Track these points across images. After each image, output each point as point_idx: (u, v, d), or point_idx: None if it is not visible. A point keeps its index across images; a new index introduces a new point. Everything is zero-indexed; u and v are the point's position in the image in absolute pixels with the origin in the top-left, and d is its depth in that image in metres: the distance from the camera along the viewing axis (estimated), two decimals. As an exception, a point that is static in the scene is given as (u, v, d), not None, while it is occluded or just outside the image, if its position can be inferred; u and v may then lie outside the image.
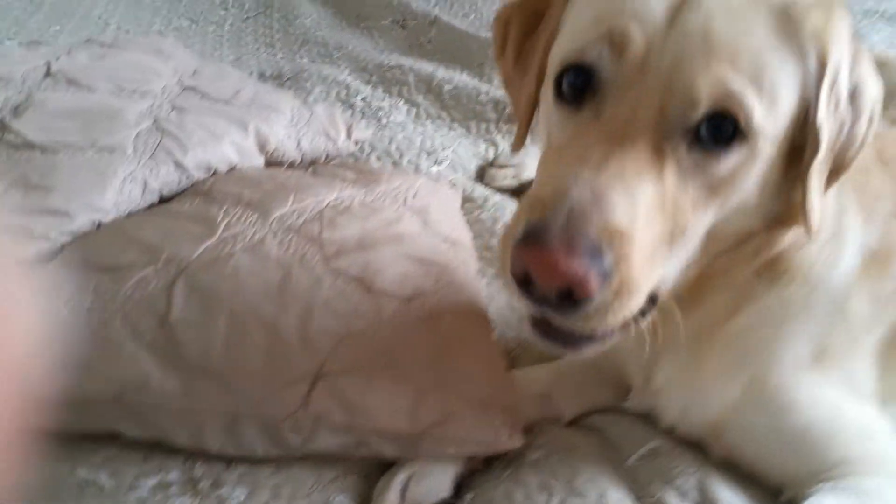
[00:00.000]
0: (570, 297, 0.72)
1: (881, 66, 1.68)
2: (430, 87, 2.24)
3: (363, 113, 2.08)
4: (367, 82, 2.29)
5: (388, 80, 2.28)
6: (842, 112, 0.83)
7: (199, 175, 1.47)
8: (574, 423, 1.19)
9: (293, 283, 1.15)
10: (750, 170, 0.80)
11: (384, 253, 1.25)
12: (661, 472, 1.06)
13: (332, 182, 1.46)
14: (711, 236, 0.84)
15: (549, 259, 0.70)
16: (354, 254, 1.23)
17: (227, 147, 1.54)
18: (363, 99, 2.16)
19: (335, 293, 1.16)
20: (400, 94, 2.22)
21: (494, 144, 2.02)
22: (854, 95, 0.84)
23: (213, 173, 1.50)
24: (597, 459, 1.09)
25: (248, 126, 1.60)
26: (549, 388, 1.20)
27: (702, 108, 0.76)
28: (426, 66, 2.35)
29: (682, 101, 0.76)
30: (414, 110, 2.16)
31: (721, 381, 1.01)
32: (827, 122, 0.80)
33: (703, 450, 1.07)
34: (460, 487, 1.08)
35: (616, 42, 0.79)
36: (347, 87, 2.22)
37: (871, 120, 0.85)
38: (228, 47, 2.77)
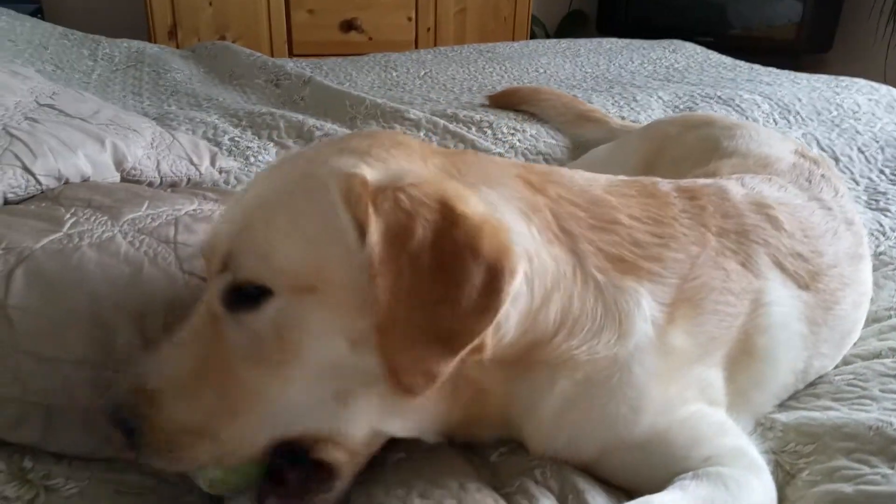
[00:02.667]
0: None
1: (707, 123, 1.87)
2: (301, 133, 2.26)
3: (230, 151, 2.07)
4: (237, 126, 2.29)
5: (257, 125, 2.29)
6: (425, 273, 0.85)
7: (48, 183, 1.39)
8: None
9: (143, 279, 1.10)
10: (298, 322, 0.88)
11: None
12: (520, 465, 1.07)
13: (192, 197, 1.43)
14: (338, 389, 0.91)
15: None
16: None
17: (81, 159, 1.47)
18: (231, 139, 2.15)
19: (189, 293, 1.12)
20: (269, 138, 2.23)
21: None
22: (448, 263, 0.86)
23: (64, 183, 1.43)
24: (458, 458, 1.08)
25: (104, 141, 1.54)
26: None
27: (224, 280, 0.90)
28: (297, 116, 2.38)
29: (215, 274, 0.91)
30: (283, 151, 2.16)
31: (571, 447, 1.06)
32: (385, 279, 0.84)
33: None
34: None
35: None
36: (215, 128, 2.21)
37: (481, 291, 0.85)
38: (94, 93, 2.69)
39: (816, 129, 2.54)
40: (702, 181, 1.36)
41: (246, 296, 0.88)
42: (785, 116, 2.63)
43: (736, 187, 1.34)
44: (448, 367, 0.86)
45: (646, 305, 1.05)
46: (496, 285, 0.85)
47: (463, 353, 0.86)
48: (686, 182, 1.32)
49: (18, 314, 1.00)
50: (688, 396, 1.09)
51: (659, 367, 1.06)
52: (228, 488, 0.94)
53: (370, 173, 0.90)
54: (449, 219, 0.86)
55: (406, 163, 0.95)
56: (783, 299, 1.23)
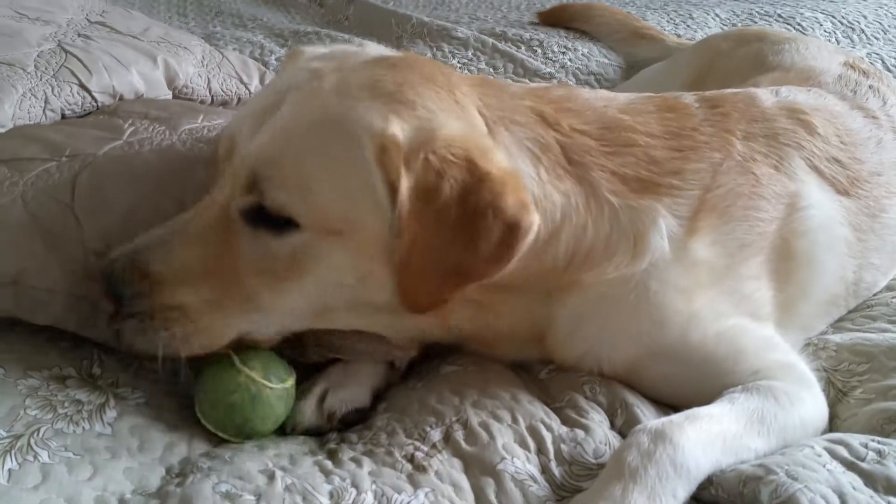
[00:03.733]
0: None
1: (759, 38, 1.81)
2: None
3: (277, 71, 2.05)
4: (283, 45, 2.27)
5: (303, 43, 2.25)
6: (449, 225, 0.92)
7: (103, 100, 1.42)
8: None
9: (204, 177, 1.11)
10: (314, 255, 0.94)
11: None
12: (569, 381, 1.09)
13: (245, 113, 1.44)
14: (324, 305, 0.98)
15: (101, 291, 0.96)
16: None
17: (135, 76, 1.49)
18: (277, 58, 2.14)
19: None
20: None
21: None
22: (470, 217, 0.92)
23: (119, 100, 1.45)
24: (508, 373, 1.11)
25: (156, 58, 1.55)
26: None
27: (250, 199, 0.93)
28: (342, 35, 2.35)
29: (239, 189, 0.94)
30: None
31: (593, 356, 1.09)
32: (410, 232, 0.91)
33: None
34: (378, 399, 1.09)
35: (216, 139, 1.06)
36: (261, 47, 2.20)
37: (496, 244, 0.92)
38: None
39: (882, 48, 2.43)
40: (730, 90, 1.33)
41: (269, 219, 0.92)
42: (848, 35, 2.52)
43: (766, 94, 1.31)
44: (453, 295, 0.96)
45: (662, 222, 1.05)
46: (512, 241, 0.92)
47: (468, 286, 0.95)
48: (711, 92, 1.29)
49: (85, 215, 1.03)
50: (722, 310, 1.08)
51: (681, 280, 1.05)
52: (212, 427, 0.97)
53: (401, 130, 0.92)
54: (475, 177, 0.92)
55: (436, 104, 0.97)
56: (821, 203, 1.20)
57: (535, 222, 0.93)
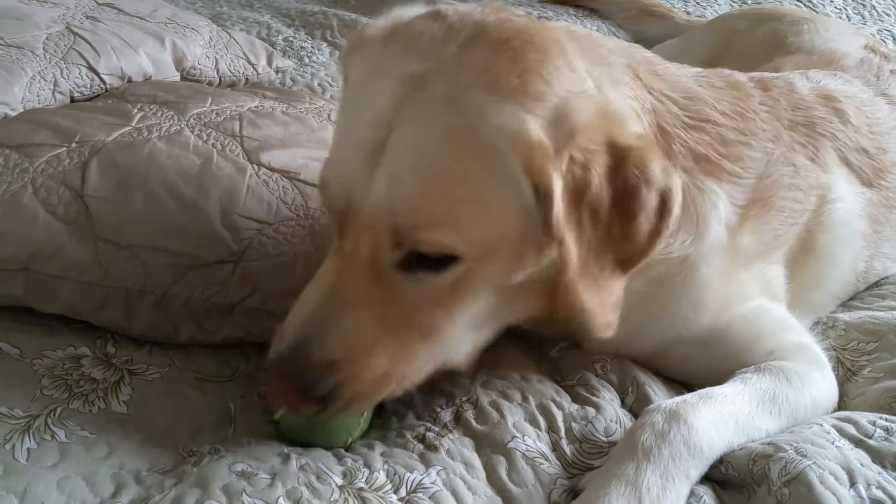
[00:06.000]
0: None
1: (775, 18, 1.79)
2: (355, 31, 2.22)
3: (284, 52, 2.05)
4: (290, 26, 2.25)
5: (310, 24, 2.25)
6: (603, 217, 0.87)
7: (112, 83, 1.42)
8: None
9: (214, 168, 1.12)
10: (475, 276, 0.88)
11: (308, 153, 1.23)
12: (580, 359, 1.09)
13: (253, 95, 1.44)
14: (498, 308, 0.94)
15: (274, 389, 0.89)
16: (277, 150, 1.21)
17: (143, 58, 1.49)
18: (284, 39, 2.13)
19: (259, 181, 1.14)
20: (323, 38, 2.19)
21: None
22: (621, 199, 0.87)
23: (127, 82, 1.45)
24: (518, 353, 1.11)
25: (164, 39, 1.55)
26: None
27: (402, 250, 0.86)
28: (350, 14, 2.33)
29: (386, 244, 0.86)
30: (337, 52, 2.13)
31: (630, 342, 1.07)
32: (570, 235, 0.85)
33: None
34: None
35: (321, 186, 0.95)
36: (269, 28, 2.18)
37: (655, 214, 0.89)
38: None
39: (894, 24, 2.41)
40: (769, 74, 1.32)
41: (427, 259, 0.87)
42: (859, 11, 2.49)
43: (801, 80, 1.30)
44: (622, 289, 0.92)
45: (722, 208, 1.04)
46: (667, 206, 0.88)
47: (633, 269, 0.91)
48: (756, 74, 1.28)
49: (95, 203, 1.03)
50: (749, 292, 1.09)
51: (723, 265, 1.05)
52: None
53: (541, 130, 0.84)
54: (619, 157, 0.87)
55: (561, 85, 0.88)
56: (847, 195, 1.20)
57: (678, 182, 0.90)
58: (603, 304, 0.89)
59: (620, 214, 0.87)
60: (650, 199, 0.87)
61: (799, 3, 2.50)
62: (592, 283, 0.88)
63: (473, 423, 0.95)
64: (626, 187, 0.87)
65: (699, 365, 1.07)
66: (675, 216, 0.89)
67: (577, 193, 0.85)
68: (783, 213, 1.12)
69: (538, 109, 0.85)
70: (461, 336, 0.94)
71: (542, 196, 0.84)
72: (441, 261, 0.86)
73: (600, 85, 0.94)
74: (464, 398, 0.99)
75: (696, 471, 0.87)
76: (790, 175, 1.13)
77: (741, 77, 1.20)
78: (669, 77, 1.07)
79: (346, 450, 0.93)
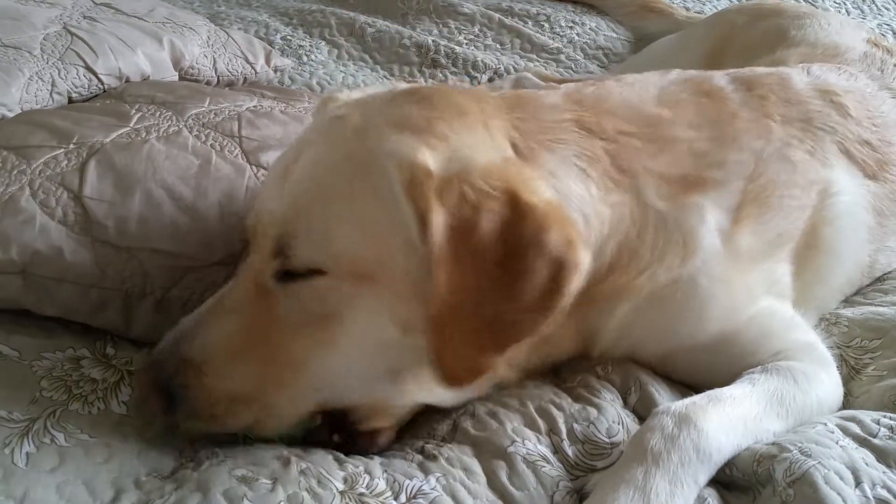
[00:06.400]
0: None
1: (776, 13, 1.79)
2: (353, 30, 2.22)
3: (283, 51, 2.04)
4: (288, 24, 2.25)
5: (308, 23, 2.25)
6: (487, 268, 0.82)
7: (110, 83, 1.41)
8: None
9: (212, 169, 1.11)
10: (347, 304, 0.86)
11: (306, 152, 1.22)
12: (580, 363, 1.08)
13: (251, 94, 1.43)
14: (384, 368, 0.91)
15: (139, 380, 0.93)
16: (276, 151, 1.20)
17: (141, 58, 1.48)
18: (283, 38, 2.12)
19: (258, 182, 1.14)
20: (321, 36, 2.19)
21: (416, 86, 2.02)
22: (509, 256, 0.83)
23: (125, 82, 1.44)
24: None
25: (162, 39, 1.55)
26: None
27: (277, 262, 0.88)
28: (348, 13, 2.33)
29: (267, 254, 0.89)
30: (336, 51, 2.14)
31: (633, 353, 1.07)
32: (444, 268, 0.81)
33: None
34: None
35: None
36: (267, 27, 2.18)
37: (543, 286, 0.83)
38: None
39: (893, 18, 2.40)
40: (761, 69, 1.31)
41: (300, 276, 0.87)
42: (858, 6, 2.48)
43: (799, 75, 1.29)
44: (495, 363, 0.87)
45: (710, 218, 1.03)
46: (559, 282, 0.83)
47: (513, 348, 0.86)
48: (743, 71, 1.26)
49: (93, 204, 1.02)
50: (756, 293, 1.08)
51: (725, 272, 1.04)
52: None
53: (433, 160, 0.85)
54: (516, 211, 0.83)
55: (469, 138, 0.90)
56: (850, 188, 1.19)
57: (583, 261, 0.86)
58: (459, 359, 0.84)
59: (505, 272, 0.83)
60: (538, 267, 0.83)
61: (799, -1, 2.49)
62: (455, 334, 0.82)
63: (471, 430, 0.93)
64: (518, 246, 0.83)
65: (707, 369, 1.05)
66: (567, 296, 0.84)
67: (462, 232, 0.82)
68: (782, 211, 1.11)
69: (436, 145, 0.87)
70: (347, 374, 0.90)
71: (423, 224, 0.81)
72: (309, 273, 0.87)
73: (532, 149, 0.94)
74: (460, 412, 0.97)
75: (705, 475, 0.86)
76: (787, 172, 1.12)
77: (718, 81, 1.18)
78: (624, 111, 1.05)
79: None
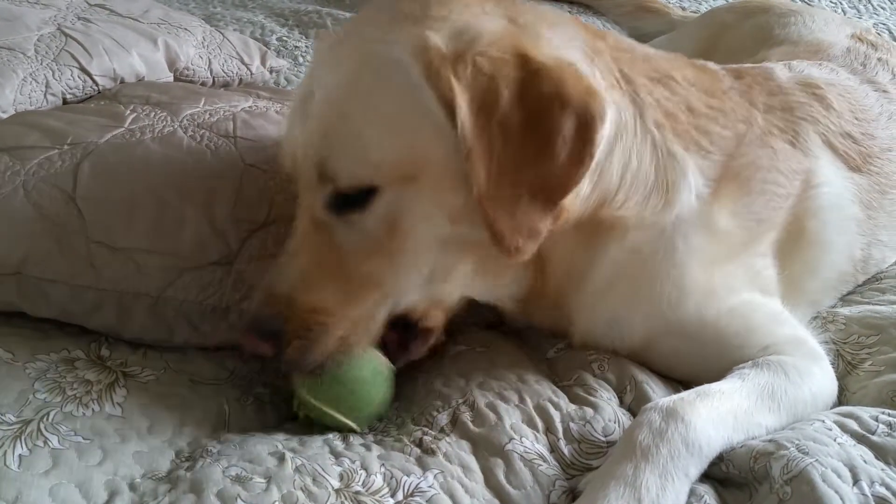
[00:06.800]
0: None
1: (763, 11, 1.79)
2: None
3: (278, 52, 2.04)
4: (283, 25, 2.25)
5: (304, 23, 2.25)
6: (515, 136, 0.85)
7: (104, 84, 1.41)
8: (493, 327, 1.19)
9: (207, 169, 1.11)
10: (404, 211, 0.89)
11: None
12: (578, 359, 1.08)
13: (247, 94, 1.43)
14: (441, 264, 0.94)
15: (243, 339, 0.93)
16: (272, 151, 1.19)
17: (135, 59, 1.48)
18: (279, 38, 2.12)
19: (254, 184, 1.13)
20: (317, 37, 2.19)
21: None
22: (533, 119, 0.85)
23: (120, 83, 1.44)
24: (516, 353, 1.10)
25: (157, 40, 1.54)
26: None
27: (326, 190, 0.89)
28: (344, 13, 2.33)
29: (313, 185, 0.91)
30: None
31: (614, 326, 1.07)
32: (478, 148, 0.84)
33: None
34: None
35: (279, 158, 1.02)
36: (262, 27, 2.18)
37: (573, 140, 0.85)
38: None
39: (889, 17, 2.40)
40: (747, 64, 1.32)
41: (352, 198, 0.88)
42: (854, 5, 2.49)
43: (781, 69, 1.30)
44: (548, 224, 0.89)
45: (691, 177, 1.03)
46: (588, 132, 0.85)
47: (560, 204, 0.89)
48: (732, 65, 1.28)
49: (88, 205, 1.02)
50: (736, 285, 1.07)
51: (702, 247, 1.04)
52: (312, 417, 0.97)
53: (440, 40, 0.86)
54: (530, 71, 0.85)
55: (466, 13, 0.91)
56: (834, 180, 1.19)
57: (606, 107, 0.87)
58: (515, 228, 0.86)
59: (534, 136, 0.85)
60: (565, 120, 0.84)
61: (795, -3, 2.49)
62: (506, 206, 0.86)
63: (470, 425, 0.93)
64: (540, 105, 0.84)
65: (692, 361, 1.05)
66: (599, 145, 0.86)
67: (486, 106, 0.84)
68: (764, 195, 1.11)
69: (438, 26, 0.88)
70: (413, 278, 0.94)
71: (448, 108, 0.84)
72: (363, 197, 0.88)
73: (532, 25, 0.93)
74: (460, 400, 0.97)
75: (696, 469, 0.86)
76: (768, 157, 1.12)
77: (711, 65, 1.21)
78: (624, 39, 1.08)
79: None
